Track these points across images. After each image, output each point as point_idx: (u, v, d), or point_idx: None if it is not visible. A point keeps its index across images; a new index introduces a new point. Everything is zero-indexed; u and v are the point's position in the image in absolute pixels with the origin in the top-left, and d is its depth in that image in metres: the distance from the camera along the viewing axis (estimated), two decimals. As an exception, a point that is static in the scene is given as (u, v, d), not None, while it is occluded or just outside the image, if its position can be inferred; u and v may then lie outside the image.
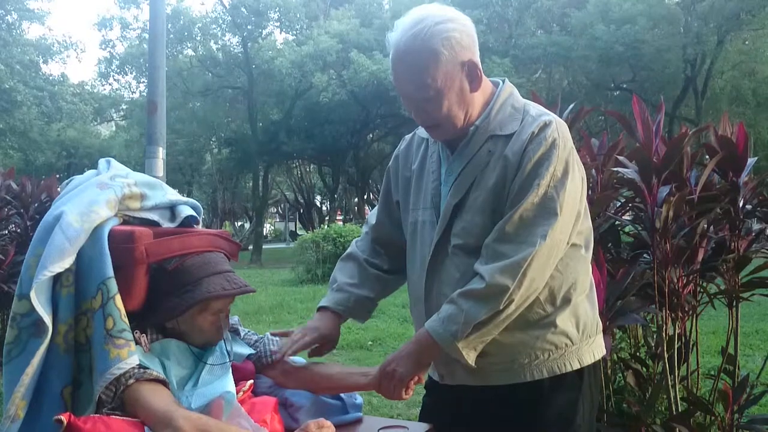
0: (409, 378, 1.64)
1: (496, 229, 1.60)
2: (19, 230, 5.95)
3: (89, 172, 1.75)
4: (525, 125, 1.65)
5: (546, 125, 1.62)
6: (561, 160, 1.60)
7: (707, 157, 2.74)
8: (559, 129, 1.63)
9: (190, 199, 1.87)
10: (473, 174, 1.68)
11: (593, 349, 1.73)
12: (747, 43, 23.39)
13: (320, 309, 1.89)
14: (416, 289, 1.80)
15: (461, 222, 1.68)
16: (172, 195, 1.80)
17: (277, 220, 56.43)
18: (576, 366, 1.68)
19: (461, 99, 1.66)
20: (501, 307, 1.55)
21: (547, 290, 1.64)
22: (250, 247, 26.27)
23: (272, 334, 1.84)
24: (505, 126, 1.68)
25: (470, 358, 1.59)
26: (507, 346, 1.64)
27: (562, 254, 1.63)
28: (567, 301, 1.67)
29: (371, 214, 2.06)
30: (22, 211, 5.86)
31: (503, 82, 1.77)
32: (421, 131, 1.89)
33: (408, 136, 1.96)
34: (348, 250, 2.02)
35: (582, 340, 1.70)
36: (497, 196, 1.64)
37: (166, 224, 1.76)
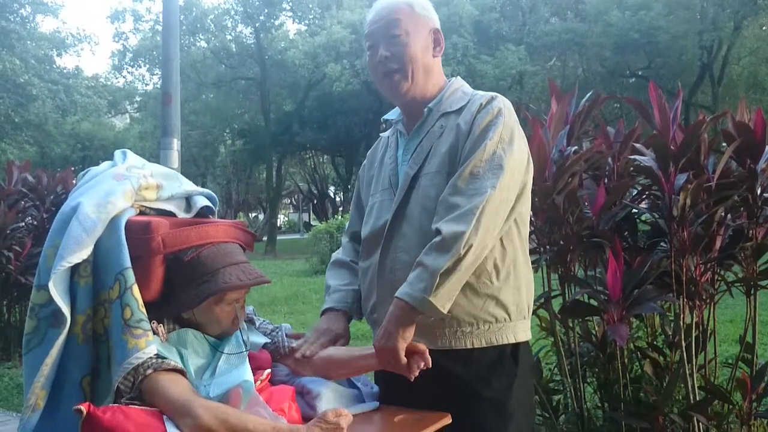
0: (399, 349, 1.65)
1: (449, 185, 1.73)
2: (35, 222, 6.01)
3: (105, 164, 1.75)
4: (474, 100, 1.86)
5: (493, 98, 1.83)
6: (507, 126, 1.77)
7: (725, 144, 2.71)
8: (505, 102, 1.83)
9: (206, 190, 1.88)
10: (429, 145, 1.86)
11: (525, 329, 1.87)
12: (764, 28, 23.12)
13: (324, 312, 1.98)
14: (370, 259, 1.91)
15: (419, 189, 1.82)
16: (187, 186, 1.80)
17: (291, 211, 56.62)
18: (511, 340, 1.81)
19: (424, 56, 1.88)
20: (462, 253, 1.62)
21: (491, 263, 1.76)
22: (265, 239, 26.36)
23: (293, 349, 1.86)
24: (455, 104, 1.89)
25: (445, 308, 1.65)
26: (455, 313, 1.74)
27: (509, 216, 1.75)
28: (508, 276, 1.80)
29: (348, 224, 2.22)
30: (38, 203, 5.92)
31: (456, 77, 2.02)
32: (384, 132, 2.10)
33: (374, 144, 2.15)
34: (333, 259, 2.15)
35: (517, 318, 1.83)
36: (451, 161, 1.79)
37: (182, 215, 1.77)
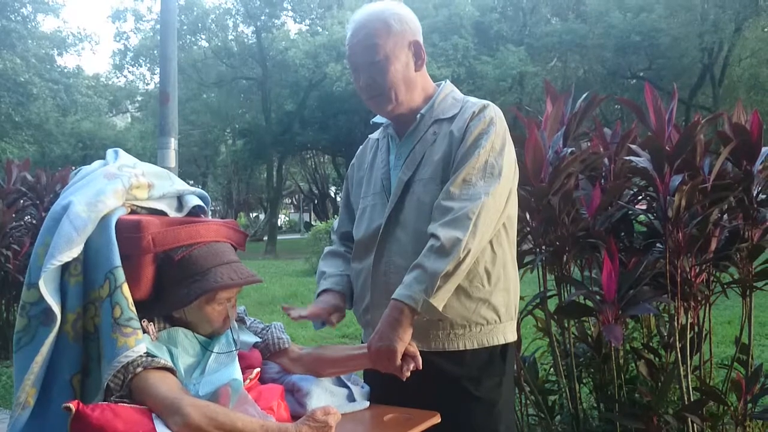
0: (397, 351, 1.66)
1: (443, 191, 1.77)
2: (34, 221, 6.02)
3: (97, 163, 1.75)
4: (466, 108, 1.89)
5: (485, 107, 1.87)
6: (498, 135, 1.82)
7: (722, 145, 2.71)
8: (496, 111, 1.88)
9: (198, 189, 1.88)
10: (422, 151, 1.89)
11: (513, 330, 1.93)
12: (765, 30, 23.06)
13: (320, 294, 2.00)
14: (363, 262, 1.94)
15: (413, 195, 1.85)
16: (179, 185, 1.80)
17: (292, 211, 56.64)
18: (501, 341, 1.87)
19: (406, 74, 1.89)
20: (462, 257, 1.67)
21: (482, 267, 1.81)
22: (265, 238, 26.35)
23: (285, 307, 1.91)
24: (448, 111, 1.92)
25: (441, 309, 1.68)
26: (449, 315, 1.77)
27: (498, 221, 1.78)
28: (498, 279, 1.85)
29: (335, 224, 2.24)
30: (37, 202, 5.93)
31: (445, 81, 2.04)
32: (373, 134, 2.12)
33: (362, 145, 2.17)
34: (327, 251, 2.17)
35: (506, 319, 1.89)
36: (444, 168, 1.83)
37: (174, 214, 1.77)
